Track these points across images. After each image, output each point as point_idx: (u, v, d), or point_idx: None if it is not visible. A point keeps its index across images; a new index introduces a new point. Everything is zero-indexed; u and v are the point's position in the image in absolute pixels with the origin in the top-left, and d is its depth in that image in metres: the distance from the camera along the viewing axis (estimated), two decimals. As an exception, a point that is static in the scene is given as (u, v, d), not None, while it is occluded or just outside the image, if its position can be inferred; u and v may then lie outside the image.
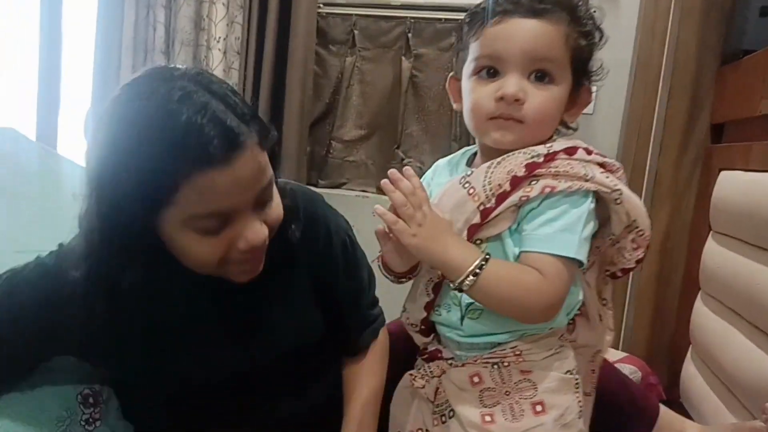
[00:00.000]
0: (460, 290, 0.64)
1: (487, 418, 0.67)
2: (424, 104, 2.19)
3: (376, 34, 2.17)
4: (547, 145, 0.68)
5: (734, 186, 1.18)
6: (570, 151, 0.67)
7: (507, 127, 0.69)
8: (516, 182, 0.66)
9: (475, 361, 0.70)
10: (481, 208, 0.67)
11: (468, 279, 0.63)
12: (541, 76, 0.68)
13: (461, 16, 1.98)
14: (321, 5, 2.10)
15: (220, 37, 2.04)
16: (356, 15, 2.14)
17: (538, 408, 0.66)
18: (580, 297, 0.72)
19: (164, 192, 0.63)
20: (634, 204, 0.68)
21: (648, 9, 1.54)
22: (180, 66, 0.68)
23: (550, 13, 0.67)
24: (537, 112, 0.68)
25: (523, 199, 0.65)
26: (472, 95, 0.71)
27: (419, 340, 0.79)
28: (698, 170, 1.39)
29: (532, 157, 0.67)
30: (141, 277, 0.68)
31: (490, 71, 0.69)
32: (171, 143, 0.61)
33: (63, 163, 1.21)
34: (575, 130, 0.75)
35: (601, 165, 0.69)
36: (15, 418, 0.79)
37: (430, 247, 0.64)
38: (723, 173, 1.25)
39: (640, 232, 0.69)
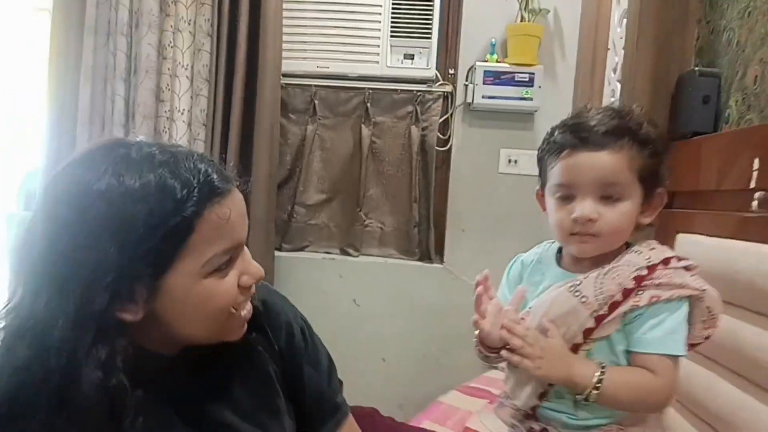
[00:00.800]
0: (587, 401, 0.75)
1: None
2: (383, 168, 2.31)
3: (336, 104, 2.28)
4: (644, 255, 0.81)
5: (693, 248, 1.38)
6: (666, 262, 0.81)
7: (585, 242, 0.82)
8: (627, 293, 0.78)
9: None
10: (595, 315, 0.78)
11: (593, 392, 0.74)
12: (607, 197, 0.81)
13: (416, 87, 2.15)
14: (281, 76, 2.17)
15: (184, 109, 2.05)
16: (315, 86, 2.24)
17: None
18: None
19: (179, 241, 0.62)
20: (714, 297, 0.81)
21: (587, 94, 1.77)
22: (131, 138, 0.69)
23: (613, 143, 0.80)
24: (610, 227, 0.81)
25: (634, 308, 0.77)
26: (555, 215, 0.84)
27: (517, 419, 0.87)
28: (653, 232, 1.60)
29: (637, 269, 0.79)
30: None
31: (566, 196, 0.82)
32: (176, 185, 0.62)
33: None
34: (653, 226, 0.88)
35: (686, 268, 0.82)
36: None
37: (554, 373, 0.76)
38: (680, 236, 1.46)
39: (713, 315, 0.83)
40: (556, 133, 0.85)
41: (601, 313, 0.78)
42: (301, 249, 2.32)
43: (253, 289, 0.72)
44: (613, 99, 1.78)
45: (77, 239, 0.60)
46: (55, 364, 0.59)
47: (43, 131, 2.01)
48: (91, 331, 0.60)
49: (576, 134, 0.81)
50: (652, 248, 0.84)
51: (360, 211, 2.30)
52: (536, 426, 0.85)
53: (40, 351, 0.59)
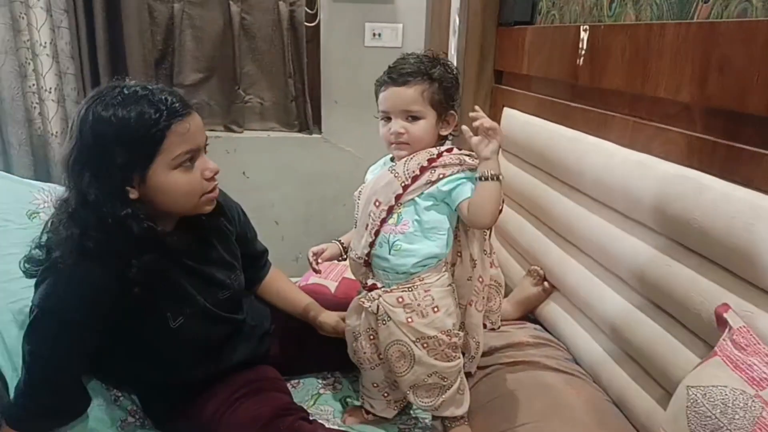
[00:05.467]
0: (494, 179, 1.02)
1: (409, 319, 1.12)
2: (256, 45, 2.41)
3: (200, -21, 2.27)
4: (437, 147, 1.11)
5: (514, 120, 1.72)
6: (449, 150, 1.11)
7: (401, 148, 1.11)
8: (423, 170, 1.08)
9: (398, 287, 1.13)
10: (402, 184, 1.09)
11: (500, 175, 1.03)
12: (411, 117, 1.10)
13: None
14: (138, -48, 2.10)
15: (39, -5, 1.98)
16: (176, -39, 2.20)
17: (435, 308, 1.13)
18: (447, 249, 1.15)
19: (156, 144, 0.99)
20: None
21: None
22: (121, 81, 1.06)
23: (410, 81, 1.08)
24: (414, 138, 1.10)
25: (429, 183, 1.08)
26: (381, 131, 1.13)
27: (361, 272, 1.19)
28: (488, 105, 1.92)
29: (430, 154, 1.09)
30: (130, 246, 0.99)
31: (386, 118, 1.12)
32: (152, 111, 0.98)
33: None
34: (456, 136, 1.16)
35: (468, 155, 1.10)
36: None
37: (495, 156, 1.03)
38: (506, 109, 1.79)
39: None
40: (383, 74, 1.12)
41: (406, 183, 1.08)
42: (185, 128, 2.44)
43: (215, 181, 1.10)
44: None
45: (97, 147, 0.98)
46: (109, 217, 0.98)
47: None
48: (118, 198, 0.99)
49: (389, 75, 1.10)
50: (443, 145, 1.14)
51: (238, 88, 2.42)
52: (369, 282, 1.18)
53: (98, 213, 0.98)
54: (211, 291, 1.17)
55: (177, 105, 1.01)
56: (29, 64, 2.04)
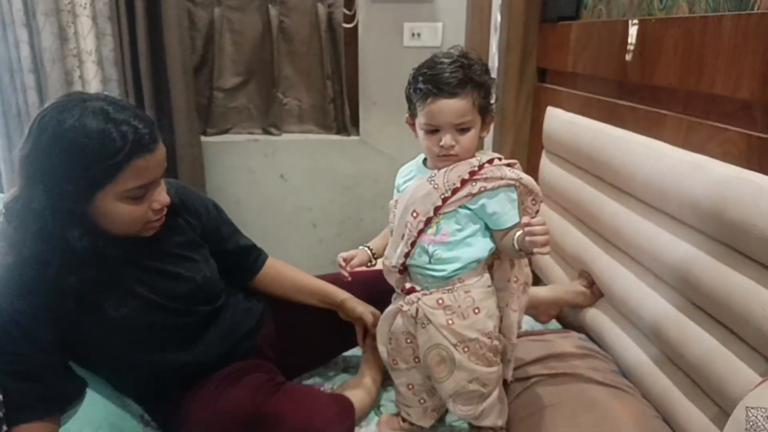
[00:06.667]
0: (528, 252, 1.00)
1: (450, 321, 1.09)
2: (294, 48, 2.40)
3: (239, -16, 2.28)
4: (478, 158, 1.08)
5: (558, 120, 1.66)
6: (491, 162, 1.08)
7: (448, 160, 1.08)
8: (463, 182, 1.05)
9: (438, 290, 1.10)
10: (442, 196, 1.06)
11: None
12: (461, 129, 1.06)
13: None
14: (181, -41, 2.13)
15: (86, 3, 2.03)
16: (217, -34, 2.22)
17: (476, 310, 1.09)
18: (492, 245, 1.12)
19: (111, 174, 0.94)
20: (528, 181, 1.09)
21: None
22: (89, 92, 1.01)
23: (461, 92, 1.03)
24: (464, 149, 1.07)
25: (469, 196, 1.05)
26: (425, 142, 1.09)
27: (395, 279, 1.16)
28: (530, 104, 1.86)
29: (471, 166, 1.06)
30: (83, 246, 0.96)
31: (432, 131, 1.07)
32: (117, 138, 0.93)
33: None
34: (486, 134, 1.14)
35: (508, 165, 1.09)
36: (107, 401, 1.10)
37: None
38: (549, 108, 1.72)
39: (535, 194, 1.11)
40: (420, 81, 1.06)
41: (446, 195, 1.06)
42: (225, 132, 2.46)
43: (163, 212, 1.07)
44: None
45: (51, 157, 0.93)
46: (51, 229, 0.94)
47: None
48: (61, 211, 0.94)
49: (435, 85, 1.04)
50: (485, 154, 1.11)
51: (277, 91, 2.42)
52: (407, 285, 1.15)
53: (41, 223, 0.94)
54: (164, 284, 1.12)
55: (146, 138, 0.96)
56: (76, 71, 2.09)
